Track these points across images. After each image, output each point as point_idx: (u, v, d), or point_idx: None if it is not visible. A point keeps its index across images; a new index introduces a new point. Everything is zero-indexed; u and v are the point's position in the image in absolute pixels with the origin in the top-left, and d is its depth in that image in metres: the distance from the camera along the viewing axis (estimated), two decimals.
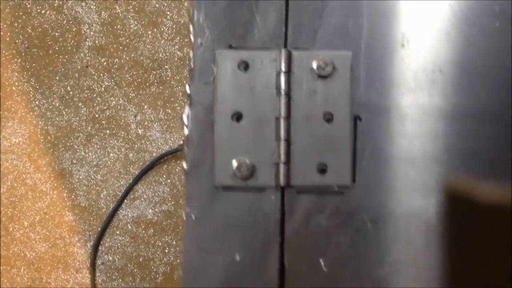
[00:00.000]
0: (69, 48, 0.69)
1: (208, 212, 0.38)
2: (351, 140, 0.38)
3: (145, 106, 0.67)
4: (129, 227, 0.66)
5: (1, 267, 0.67)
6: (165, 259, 0.66)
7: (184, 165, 0.39)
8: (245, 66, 0.39)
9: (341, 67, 0.39)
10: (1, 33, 0.68)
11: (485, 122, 0.38)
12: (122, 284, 0.66)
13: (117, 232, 0.66)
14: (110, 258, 0.66)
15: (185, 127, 0.39)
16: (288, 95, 0.39)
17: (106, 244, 0.66)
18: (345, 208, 0.38)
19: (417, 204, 0.38)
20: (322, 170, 0.38)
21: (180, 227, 0.66)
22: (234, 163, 0.38)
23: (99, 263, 0.66)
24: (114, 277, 0.66)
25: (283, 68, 0.39)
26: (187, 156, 0.39)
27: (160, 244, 0.66)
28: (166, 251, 0.66)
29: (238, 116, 0.39)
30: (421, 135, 0.39)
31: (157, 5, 0.68)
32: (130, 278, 0.66)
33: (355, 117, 0.39)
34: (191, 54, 0.40)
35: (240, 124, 0.38)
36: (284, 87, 0.38)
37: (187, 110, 0.39)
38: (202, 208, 0.38)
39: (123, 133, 0.67)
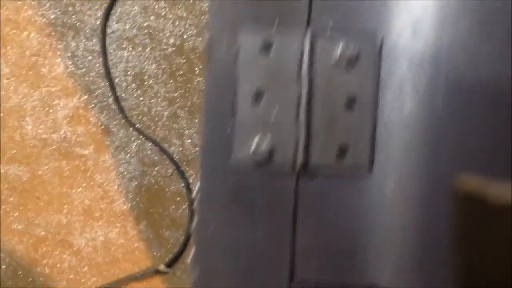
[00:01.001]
0: None
1: (222, 190, 0.37)
2: (372, 127, 0.36)
3: None
4: None
5: (12, 31, 0.68)
6: (175, 31, 0.68)
7: (200, 142, 0.36)
8: (268, 46, 0.37)
9: (367, 53, 0.36)
10: None
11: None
12: (133, 53, 0.68)
13: (128, 1, 0.67)
14: (120, 27, 0.68)
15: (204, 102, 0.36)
16: (310, 78, 0.36)
17: (117, 14, 0.68)
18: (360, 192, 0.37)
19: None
20: (341, 155, 0.37)
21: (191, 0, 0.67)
22: (253, 145, 0.36)
23: (109, 31, 0.68)
24: (124, 45, 0.68)
25: (306, 51, 0.36)
26: (204, 132, 0.36)
27: (170, 16, 0.67)
28: (177, 23, 0.67)
29: (259, 96, 0.37)
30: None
31: None
32: (140, 48, 0.68)
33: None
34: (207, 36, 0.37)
35: (261, 104, 0.36)
36: (306, 70, 0.36)
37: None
38: (216, 186, 0.37)
39: None
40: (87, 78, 0.68)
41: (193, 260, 0.37)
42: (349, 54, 0.36)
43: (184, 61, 0.67)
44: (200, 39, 0.67)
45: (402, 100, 0.37)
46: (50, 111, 0.69)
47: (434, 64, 0.37)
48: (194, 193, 0.38)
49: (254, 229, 0.37)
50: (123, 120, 0.68)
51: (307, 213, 0.37)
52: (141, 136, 0.68)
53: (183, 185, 0.68)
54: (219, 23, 0.37)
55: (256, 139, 0.37)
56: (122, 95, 0.68)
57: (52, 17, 0.68)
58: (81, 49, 0.68)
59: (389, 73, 0.37)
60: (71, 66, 0.68)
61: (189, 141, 0.68)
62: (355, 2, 0.37)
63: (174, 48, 0.67)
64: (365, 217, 0.38)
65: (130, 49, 0.68)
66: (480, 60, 0.37)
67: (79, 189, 0.69)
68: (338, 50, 0.37)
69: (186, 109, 0.68)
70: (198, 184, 0.37)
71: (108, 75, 0.67)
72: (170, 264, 0.69)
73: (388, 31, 0.37)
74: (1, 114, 0.69)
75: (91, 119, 0.69)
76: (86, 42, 0.68)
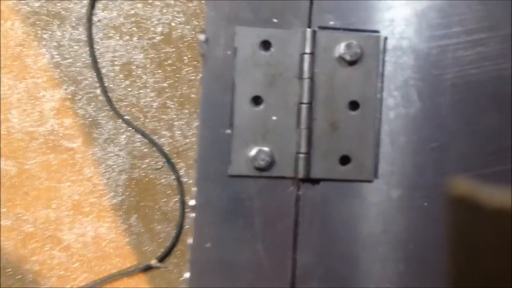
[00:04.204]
0: None
1: (220, 200, 0.35)
2: (376, 131, 0.34)
3: None
4: None
5: None
6: (163, 19, 0.65)
7: (196, 150, 0.34)
8: (266, 45, 0.34)
9: (370, 51, 0.34)
10: None
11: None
12: (120, 42, 0.66)
13: None
14: (107, 15, 0.65)
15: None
16: (311, 79, 0.34)
17: (103, 1, 0.65)
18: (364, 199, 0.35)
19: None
20: (344, 162, 0.35)
21: None
22: (252, 152, 0.34)
23: (96, 20, 0.65)
24: (111, 34, 0.66)
25: (307, 50, 0.34)
26: (200, 139, 0.34)
27: (158, 3, 0.65)
28: (164, 10, 0.65)
29: (257, 100, 0.35)
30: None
31: None
32: (128, 37, 0.66)
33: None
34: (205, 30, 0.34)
35: (260, 109, 0.34)
36: (307, 70, 0.34)
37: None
38: (213, 196, 0.34)
39: None
40: (73, 68, 0.66)
41: (189, 281, 0.35)
42: (352, 52, 0.34)
43: (172, 50, 0.65)
44: (188, 27, 0.65)
45: (406, 102, 0.36)
46: (36, 103, 0.67)
47: (440, 64, 0.35)
48: (190, 204, 0.35)
49: (254, 243, 0.35)
50: (111, 112, 0.66)
51: (309, 223, 0.35)
52: (130, 128, 0.66)
53: (173, 177, 0.66)
54: (215, 22, 0.34)
55: (255, 148, 0.35)
56: (110, 86, 0.66)
57: (36, 5, 0.66)
58: (66, 38, 0.66)
59: (393, 74, 0.36)
60: (57, 56, 0.66)
61: (179, 132, 0.66)
62: (356, 1, 0.35)
63: (162, 37, 0.65)
64: (368, 225, 0.36)
65: (117, 38, 0.66)
66: (484, 57, 0.36)
67: (68, 183, 0.67)
68: (341, 48, 0.34)
69: (175, 99, 0.66)
70: (195, 194, 0.35)
71: (95, 65, 0.65)
72: (162, 259, 0.67)
73: (391, 30, 0.36)
74: None
75: (78, 111, 0.67)
76: (72, 31, 0.66)
